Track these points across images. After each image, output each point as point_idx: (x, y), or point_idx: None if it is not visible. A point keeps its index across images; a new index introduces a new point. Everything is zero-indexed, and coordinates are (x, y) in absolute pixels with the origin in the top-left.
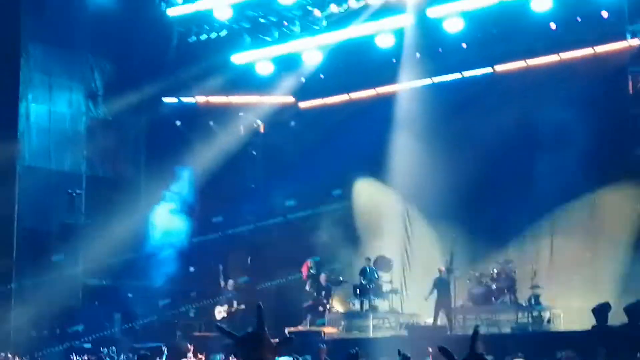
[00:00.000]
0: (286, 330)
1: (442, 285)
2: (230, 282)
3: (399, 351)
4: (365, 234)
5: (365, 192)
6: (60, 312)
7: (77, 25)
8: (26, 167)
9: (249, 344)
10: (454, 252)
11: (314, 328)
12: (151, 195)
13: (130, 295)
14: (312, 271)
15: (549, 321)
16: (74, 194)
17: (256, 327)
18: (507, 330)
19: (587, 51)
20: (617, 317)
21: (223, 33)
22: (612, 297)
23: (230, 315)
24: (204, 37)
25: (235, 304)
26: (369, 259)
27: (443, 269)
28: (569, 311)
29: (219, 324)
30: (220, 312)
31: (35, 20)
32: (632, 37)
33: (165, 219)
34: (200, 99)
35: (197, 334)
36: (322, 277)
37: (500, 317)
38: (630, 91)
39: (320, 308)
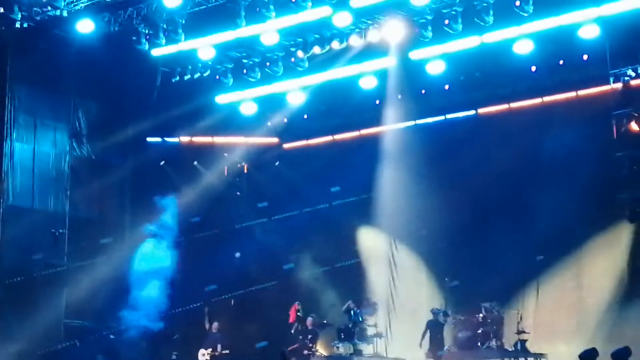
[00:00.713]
0: None
1: (435, 329)
2: (215, 324)
3: None
4: (350, 275)
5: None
6: (43, 353)
7: (62, 66)
8: (10, 206)
9: None
10: (448, 295)
11: None
12: (135, 236)
13: (112, 336)
14: (299, 314)
15: None
16: (57, 234)
17: None
18: None
19: (570, 94)
20: None
21: (206, 73)
22: (599, 343)
23: (214, 359)
24: (187, 77)
25: (219, 347)
26: (353, 302)
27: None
28: (555, 357)
29: None
30: (203, 354)
31: (20, 61)
32: (615, 81)
33: (150, 261)
34: (185, 139)
35: None
36: (309, 321)
37: None
38: (615, 134)
39: (305, 351)
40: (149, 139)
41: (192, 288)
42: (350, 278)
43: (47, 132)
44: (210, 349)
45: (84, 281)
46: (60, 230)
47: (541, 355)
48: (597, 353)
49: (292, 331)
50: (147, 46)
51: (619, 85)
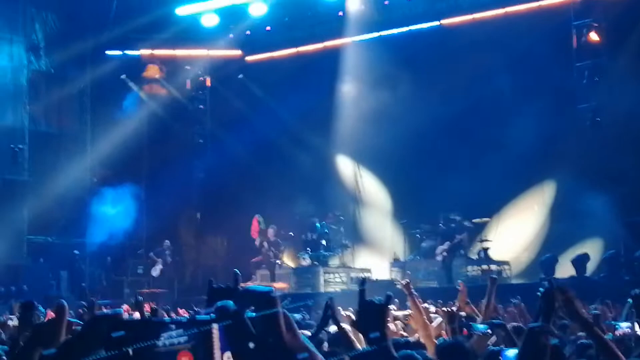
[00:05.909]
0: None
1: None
2: (167, 242)
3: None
4: (316, 187)
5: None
6: (5, 270)
7: None
8: None
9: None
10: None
11: (264, 284)
12: (97, 150)
13: (76, 252)
14: (261, 226)
15: (498, 274)
16: (17, 149)
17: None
18: (456, 285)
19: (532, 5)
20: (565, 270)
21: None
22: (559, 251)
23: (161, 274)
24: None
25: (168, 257)
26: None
27: None
28: (517, 264)
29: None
30: (156, 270)
31: None
32: None
33: (112, 175)
34: (145, 52)
35: (145, 290)
36: (270, 232)
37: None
38: (574, 45)
39: (270, 262)
40: (108, 52)
41: (157, 203)
42: (315, 191)
43: (3, 45)
44: (161, 259)
45: (46, 197)
46: (20, 146)
47: (504, 262)
48: (557, 260)
49: (257, 244)
50: None
51: None
